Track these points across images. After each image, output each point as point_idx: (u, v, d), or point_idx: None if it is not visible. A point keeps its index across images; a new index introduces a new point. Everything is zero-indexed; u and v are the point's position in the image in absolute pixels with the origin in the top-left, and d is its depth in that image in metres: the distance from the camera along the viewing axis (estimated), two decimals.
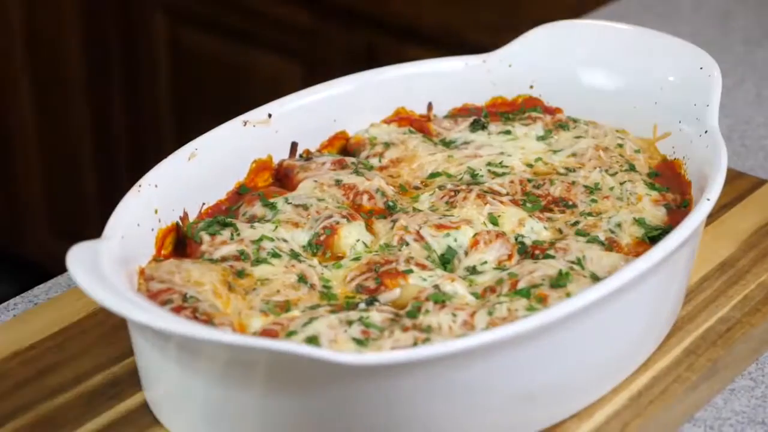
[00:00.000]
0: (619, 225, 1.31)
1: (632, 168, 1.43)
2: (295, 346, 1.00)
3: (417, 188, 1.43)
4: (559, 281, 1.20)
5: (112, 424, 1.20)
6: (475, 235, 1.30)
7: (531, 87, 1.59)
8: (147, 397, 1.22)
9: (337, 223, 1.31)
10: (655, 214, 1.34)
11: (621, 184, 1.39)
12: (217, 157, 1.39)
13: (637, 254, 1.25)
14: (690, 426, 1.23)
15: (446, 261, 1.29)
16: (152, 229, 1.29)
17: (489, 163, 1.44)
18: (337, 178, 1.41)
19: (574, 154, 1.46)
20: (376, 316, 1.16)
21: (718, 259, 1.43)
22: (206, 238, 1.30)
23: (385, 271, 1.24)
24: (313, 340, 1.12)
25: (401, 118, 1.57)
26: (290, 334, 1.13)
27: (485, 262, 1.27)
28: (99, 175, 3.50)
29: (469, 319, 1.15)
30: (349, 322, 1.14)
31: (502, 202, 1.35)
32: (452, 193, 1.37)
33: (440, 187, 1.40)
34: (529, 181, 1.40)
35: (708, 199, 1.22)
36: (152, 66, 3.28)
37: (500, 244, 1.29)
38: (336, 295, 1.24)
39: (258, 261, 1.26)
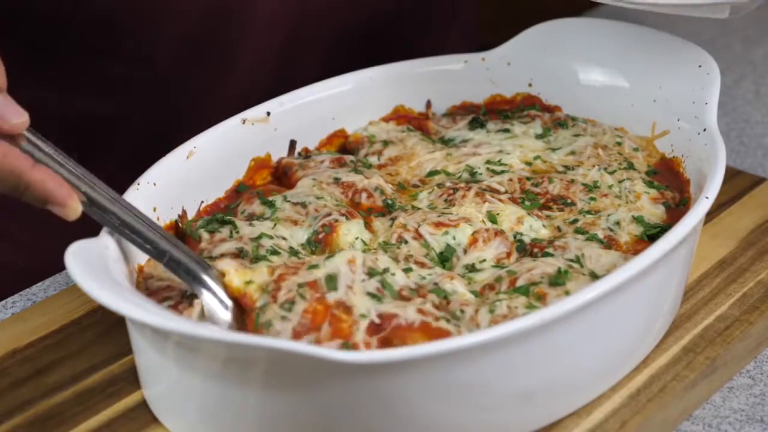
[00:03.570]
0: (617, 223, 1.31)
1: (631, 166, 1.43)
2: (293, 345, 1.00)
3: (416, 186, 1.43)
4: (557, 279, 1.20)
5: (111, 422, 1.20)
6: (474, 233, 1.30)
7: (530, 85, 1.59)
8: (146, 395, 1.22)
9: (336, 221, 1.31)
10: (654, 212, 1.34)
11: (620, 182, 1.39)
12: (215, 155, 1.39)
13: (636, 252, 1.25)
14: (689, 424, 1.23)
15: (445, 259, 1.29)
16: None
17: (488, 161, 1.44)
18: (335, 176, 1.41)
19: (572, 152, 1.46)
20: (400, 279, 1.17)
21: (716, 257, 1.43)
22: (205, 236, 1.30)
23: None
24: (331, 280, 1.14)
25: (400, 116, 1.57)
26: (312, 268, 1.16)
27: (484, 260, 1.27)
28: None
29: (474, 316, 1.16)
30: (371, 274, 1.16)
31: (500, 200, 1.35)
32: (451, 191, 1.37)
33: (439, 185, 1.40)
34: (528, 179, 1.40)
35: (706, 197, 1.22)
36: None
37: (499, 242, 1.29)
38: None
39: (257, 259, 1.26)
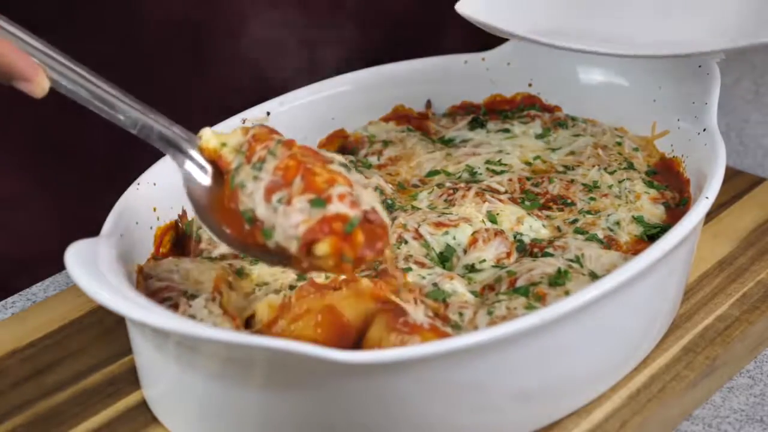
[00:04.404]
0: (617, 223, 1.31)
1: (631, 166, 1.43)
2: (293, 345, 1.00)
3: (415, 186, 1.43)
4: (557, 279, 1.20)
5: (111, 422, 1.20)
6: (474, 233, 1.30)
7: (530, 85, 1.59)
8: (145, 395, 1.22)
9: None
10: (654, 212, 1.34)
11: (619, 182, 1.39)
12: None
13: (636, 252, 1.25)
14: (688, 424, 1.23)
15: (445, 259, 1.29)
16: (151, 228, 1.29)
17: (488, 161, 1.44)
18: None
19: (572, 152, 1.46)
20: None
21: (716, 257, 1.43)
22: (205, 236, 1.30)
23: (385, 268, 1.24)
24: (347, 167, 1.13)
25: (400, 116, 1.57)
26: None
27: (484, 260, 1.27)
28: None
29: (473, 318, 1.16)
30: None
31: (500, 200, 1.35)
32: (451, 191, 1.37)
33: (439, 185, 1.40)
34: (528, 179, 1.40)
35: (706, 197, 1.22)
36: None
37: (499, 242, 1.29)
38: None
39: (257, 260, 1.26)
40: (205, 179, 1.16)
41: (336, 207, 1.07)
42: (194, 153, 1.16)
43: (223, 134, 1.17)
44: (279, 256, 1.10)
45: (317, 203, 1.07)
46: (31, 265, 1.50)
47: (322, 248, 1.07)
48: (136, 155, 1.37)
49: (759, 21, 1.37)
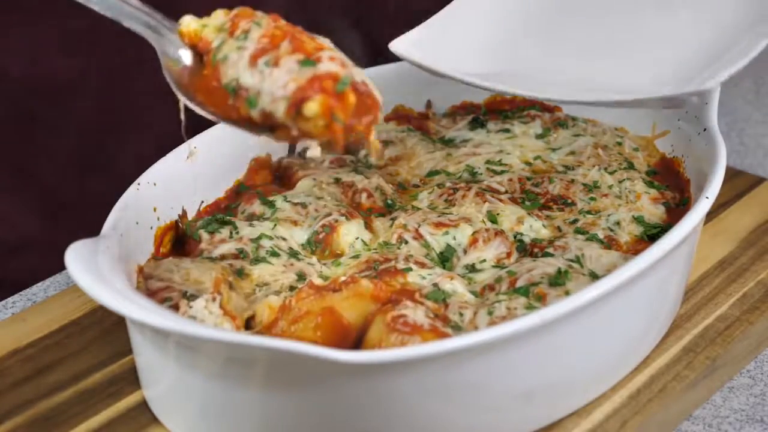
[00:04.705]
0: (617, 223, 1.31)
1: (631, 166, 1.43)
2: (293, 345, 1.00)
3: (416, 186, 1.43)
4: (557, 279, 1.20)
5: (111, 422, 1.20)
6: (474, 233, 1.30)
7: None
8: (146, 395, 1.22)
9: (336, 221, 1.31)
10: (654, 212, 1.34)
11: (620, 182, 1.39)
12: (215, 155, 1.39)
13: (636, 252, 1.25)
14: (689, 424, 1.23)
15: (445, 259, 1.28)
16: (151, 228, 1.29)
17: (488, 161, 1.44)
18: (335, 176, 1.41)
19: (572, 152, 1.46)
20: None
21: (716, 257, 1.43)
22: (205, 236, 1.30)
23: (384, 269, 1.24)
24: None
25: (400, 116, 1.57)
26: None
27: (484, 260, 1.27)
28: None
29: (473, 319, 1.16)
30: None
31: (501, 200, 1.35)
32: (451, 191, 1.37)
33: (439, 185, 1.40)
34: (528, 179, 1.40)
35: (707, 197, 1.22)
36: None
37: (499, 242, 1.29)
38: None
39: (257, 260, 1.26)
40: (186, 57, 1.13)
41: (326, 66, 1.04)
42: (173, 36, 1.13)
43: (204, 18, 1.14)
44: (265, 127, 1.07)
45: (307, 63, 1.04)
46: (15, 251, 1.48)
47: (312, 107, 1.04)
48: (117, 148, 1.36)
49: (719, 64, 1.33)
